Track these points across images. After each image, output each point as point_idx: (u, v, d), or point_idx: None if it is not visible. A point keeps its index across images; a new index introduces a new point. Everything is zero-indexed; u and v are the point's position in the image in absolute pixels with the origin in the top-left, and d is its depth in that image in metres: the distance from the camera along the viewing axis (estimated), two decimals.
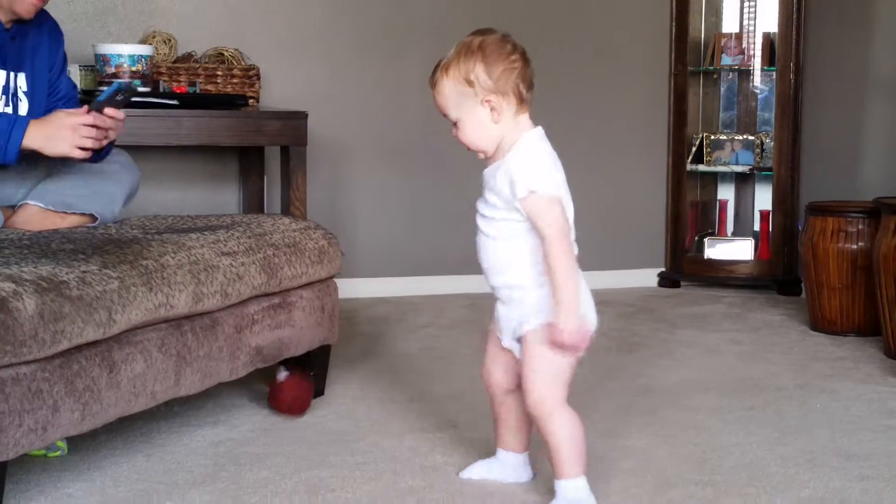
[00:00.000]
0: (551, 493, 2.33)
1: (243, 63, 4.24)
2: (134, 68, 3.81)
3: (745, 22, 5.00)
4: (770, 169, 4.89)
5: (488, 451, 2.57)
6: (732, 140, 4.98)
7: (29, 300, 2.20)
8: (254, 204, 4.40)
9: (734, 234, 5.09)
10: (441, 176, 4.70)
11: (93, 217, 3.01)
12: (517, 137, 2.29)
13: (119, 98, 2.85)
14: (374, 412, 3.02)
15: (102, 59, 3.82)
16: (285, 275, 2.96)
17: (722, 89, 5.13)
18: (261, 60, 4.36)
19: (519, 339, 2.34)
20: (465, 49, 2.28)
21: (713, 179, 5.14)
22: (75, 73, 3.95)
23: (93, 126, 2.79)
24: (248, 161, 4.42)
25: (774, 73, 4.86)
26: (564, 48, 4.89)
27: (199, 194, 4.45)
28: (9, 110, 2.94)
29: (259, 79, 4.17)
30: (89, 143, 2.80)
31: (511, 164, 2.26)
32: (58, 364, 2.29)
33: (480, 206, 2.34)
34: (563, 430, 2.28)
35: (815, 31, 4.82)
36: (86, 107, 2.84)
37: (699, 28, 5.02)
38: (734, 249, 4.95)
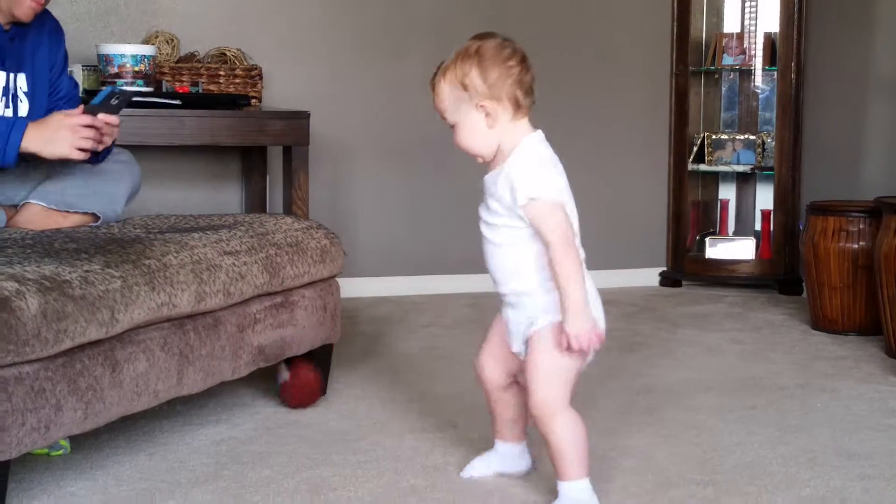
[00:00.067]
0: (553, 492, 2.33)
1: (246, 63, 4.24)
2: (137, 68, 3.81)
3: (747, 22, 5.00)
4: (771, 168, 4.89)
5: (489, 449, 2.58)
6: (734, 140, 4.98)
7: (32, 299, 2.21)
8: (256, 203, 4.40)
9: (735, 233, 5.09)
10: (443, 175, 4.71)
11: (95, 216, 3.02)
12: (517, 142, 2.27)
13: (114, 103, 2.84)
14: (376, 411, 3.03)
15: (105, 60, 3.82)
16: (287, 274, 2.96)
17: (723, 89, 5.13)
18: (263, 60, 4.37)
19: (526, 342, 2.33)
20: (463, 53, 2.27)
21: (714, 179, 5.14)
22: (78, 73, 3.95)
23: (91, 126, 2.80)
24: (250, 161, 4.43)
25: (776, 73, 4.86)
26: (565, 49, 4.89)
27: (202, 194, 4.46)
28: (9, 112, 2.94)
29: (261, 79, 4.18)
30: (88, 144, 2.80)
31: (511, 170, 2.25)
32: (60, 363, 2.29)
33: (483, 212, 2.33)
34: (566, 431, 2.27)
35: (817, 31, 4.82)
36: (82, 106, 2.84)
37: (700, 28, 5.02)
38: (735, 249, 4.95)
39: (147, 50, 3.87)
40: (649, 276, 5.07)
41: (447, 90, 2.28)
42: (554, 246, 2.22)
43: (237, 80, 4.11)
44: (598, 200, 4.90)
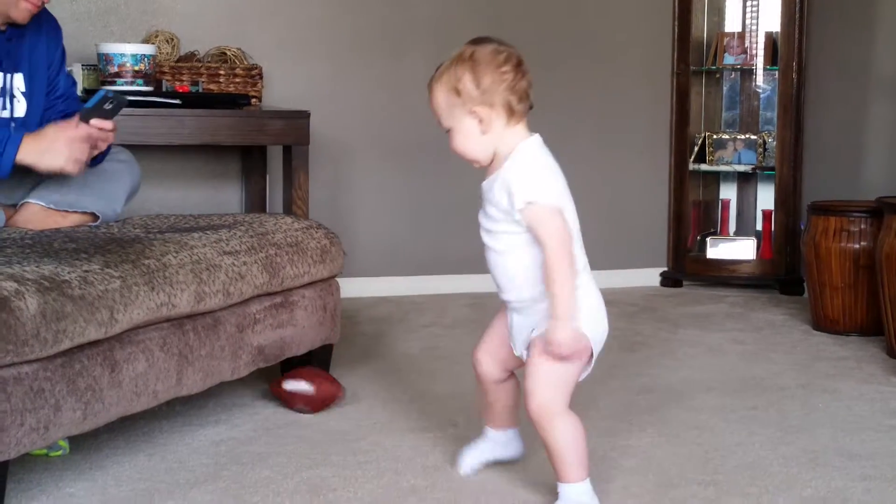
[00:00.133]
0: (553, 493, 2.32)
1: (246, 62, 4.24)
2: (136, 68, 3.81)
3: (748, 21, 4.99)
4: (772, 168, 4.88)
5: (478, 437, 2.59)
6: (735, 139, 4.98)
7: (31, 299, 2.20)
8: (256, 203, 4.40)
9: (736, 233, 5.08)
10: (443, 175, 4.70)
11: (94, 216, 3.01)
12: (513, 147, 2.26)
13: (107, 107, 2.83)
14: (376, 411, 3.02)
15: (105, 59, 3.82)
16: (287, 274, 2.96)
17: (724, 89, 5.12)
18: (263, 60, 4.36)
19: (528, 346, 2.33)
20: (457, 58, 2.26)
21: (715, 179, 5.14)
22: (78, 73, 3.95)
23: (87, 139, 2.79)
24: (250, 160, 4.42)
25: (777, 73, 4.86)
26: (566, 48, 4.89)
27: (202, 193, 4.45)
28: (6, 113, 2.94)
29: (261, 78, 4.17)
30: (84, 157, 2.80)
31: (508, 175, 2.24)
32: (60, 363, 2.29)
33: (482, 219, 2.32)
34: (566, 434, 2.27)
35: (818, 31, 4.81)
36: (77, 115, 2.83)
37: (701, 27, 5.01)
38: (736, 249, 4.95)
39: (147, 49, 3.87)
40: (650, 276, 5.06)
41: (441, 95, 2.27)
42: (550, 250, 2.20)
43: (237, 80, 4.11)
44: (599, 200, 4.90)
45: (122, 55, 3.80)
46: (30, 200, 2.96)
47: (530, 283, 2.28)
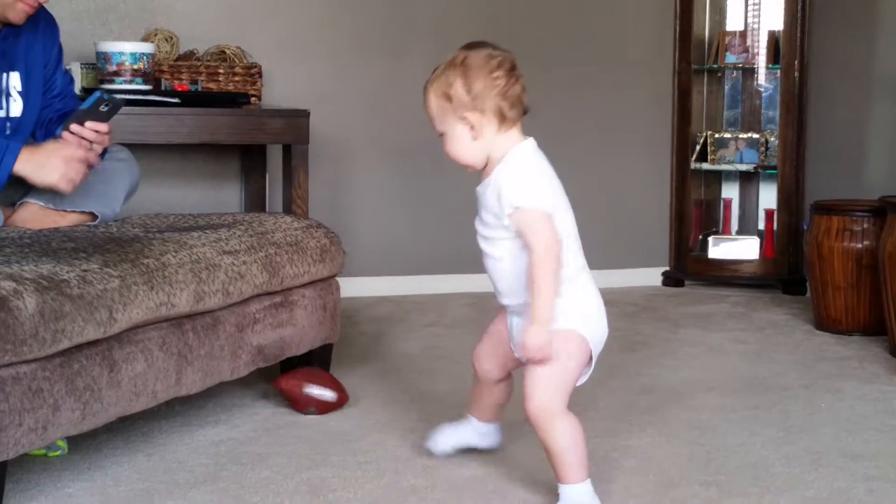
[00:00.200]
0: (553, 493, 2.32)
1: (245, 61, 4.23)
2: (135, 66, 3.80)
3: (750, 20, 4.98)
4: (775, 167, 4.87)
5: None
6: (737, 138, 4.97)
7: (29, 299, 2.19)
8: (255, 202, 4.39)
9: (738, 233, 5.07)
10: (443, 175, 4.69)
11: (93, 215, 3.01)
12: (506, 151, 2.26)
13: (103, 109, 2.82)
14: (376, 411, 3.01)
15: (104, 57, 3.81)
16: (287, 273, 2.95)
17: (726, 87, 5.11)
18: (263, 59, 4.35)
19: None
20: (450, 63, 2.27)
21: (717, 178, 5.13)
22: (76, 71, 3.94)
23: (84, 161, 2.79)
24: (249, 159, 4.41)
25: (779, 72, 4.85)
26: (567, 46, 4.88)
27: (201, 193, 4.44)
28: (2, 113, 2.93)
29: (261, 77, 4.16)
30: (79, 178, 2.80)
31: (499, 179, 2.24)
32: (58, 363, 2.28)
33: (479, 226, 2.32)
34: (565, 436, 2.26)
35: (820, 29, 4.80)
36: (71, 119, 2.82)
37: (703, 26, 5.01)
38: (738, 248, 4.94)
39: (146, 48, 3.86)
40: (651, 276, 5.05)
41: (433, 101, 2.28)
42: (536, 255, 2.20)
43: (236, 79, 4.10)
44: (600, 199, 4.89)
45: (121, 54, 3.79)
46: (28, 200, 2.95)
47: (526, 288, 2.27)
